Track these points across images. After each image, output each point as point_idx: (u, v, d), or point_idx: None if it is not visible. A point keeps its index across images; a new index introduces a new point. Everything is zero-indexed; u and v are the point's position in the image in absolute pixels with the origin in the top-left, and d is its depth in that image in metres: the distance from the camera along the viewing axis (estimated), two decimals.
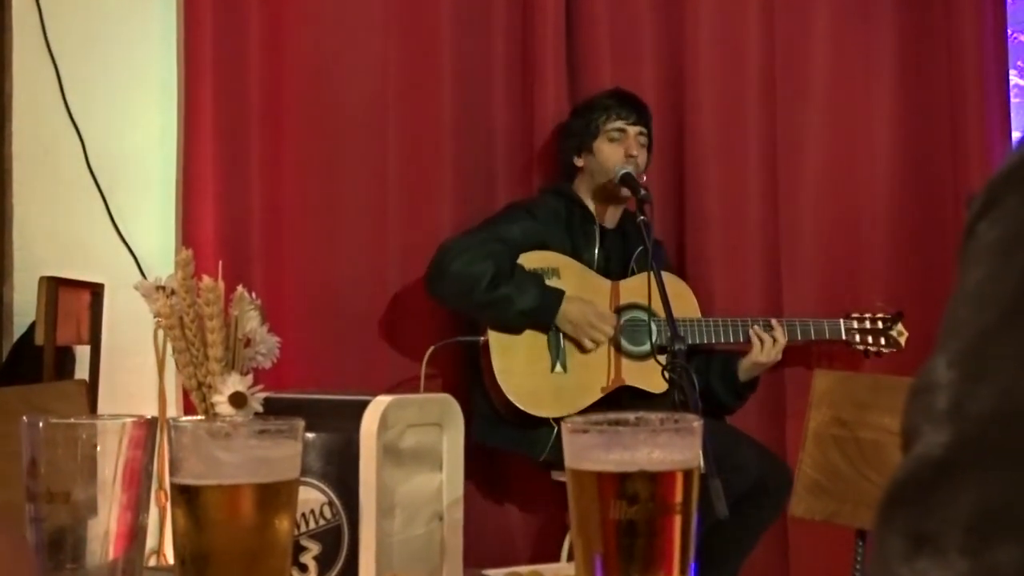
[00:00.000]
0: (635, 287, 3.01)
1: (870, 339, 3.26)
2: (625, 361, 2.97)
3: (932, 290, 3.40)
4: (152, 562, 2.70)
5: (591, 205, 3.10)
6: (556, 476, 2.92)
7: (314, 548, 1.04)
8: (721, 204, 3.34)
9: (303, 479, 0.93)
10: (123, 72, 3.14)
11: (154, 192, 3.16)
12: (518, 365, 2.90)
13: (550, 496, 3.08)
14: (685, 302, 3.05)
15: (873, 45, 3.55)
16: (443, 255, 2.88)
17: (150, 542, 2.76)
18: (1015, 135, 3.72)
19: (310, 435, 1.01)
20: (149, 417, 0.91)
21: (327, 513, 1.04)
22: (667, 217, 3.33)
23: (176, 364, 1.17)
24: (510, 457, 3.14)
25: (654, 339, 2.94)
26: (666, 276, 2.88)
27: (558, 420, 2.86)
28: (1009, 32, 3.72)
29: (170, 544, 1.19)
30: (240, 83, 3.08)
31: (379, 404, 1.04)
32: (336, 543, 1.04)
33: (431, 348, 2.91)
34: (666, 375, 2.60)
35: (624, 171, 2.97)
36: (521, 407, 2.87)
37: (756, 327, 3.06)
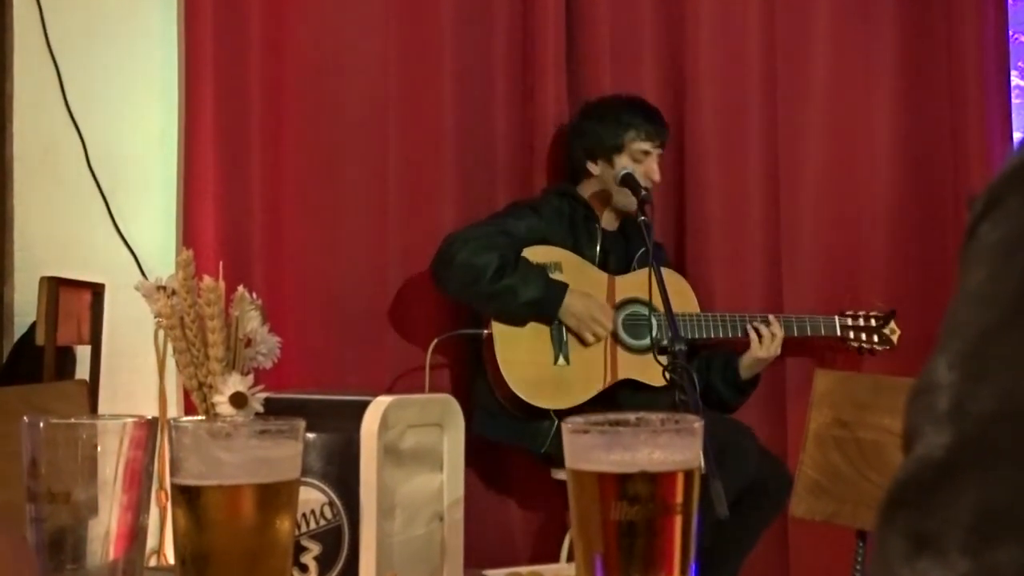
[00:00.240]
0: (635, 282, 3.04)
1: (864, 336, 3.30)
2: (626, 355, 3.00)
3: (932, 290, 3.40)
4: (152, 562, 2.70)
5: (594, 207, 3.11)
6: (556, 475, 2.92)
7: (315, 548, 1.04)
8: (722, 205, 3.34)
9: (304, 479, 0.93)
10: (124, 72, 3.14)
11: (155, 192, 3.16)
12: (522, 357, 2.93)
13: (550, 496, 3.08)
14: (684, 298, 3.08)
15: (874, 46, 3.55)
16: (449, 245, 2.91)
17: (150, 542, 2.76)
18: (1016, 136, 3.72)
19: (311, 435, 1.01)
20: (150, 417, 0.91)
21: (328, 513, 1.04)
22: (668, 218, 3.33)
23: (177, 364, 1.17)
24: (511, 457, 3.14)
25: (654, 333, 2.97)
26: (665, 272, 2.91)
27: (559, 413, 2.88)
28: (1010, 33, 3.72)
29: (170, 544, 1.19)
30: (241, 83, 3.08)
31: (380, 404, 1.04)
32: (336, 543, 1.04)
33: (435, 340, 2.96)
34: (667, 375, 2.60)
35: (625, 171, 2.98)
36: (524, 398, 2.89)
37: (754, 323, 3.08)
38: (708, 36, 3.37)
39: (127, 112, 3.15)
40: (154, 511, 2.72)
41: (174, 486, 0.84)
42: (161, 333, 1.16)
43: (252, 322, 1.18)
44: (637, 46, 3.37)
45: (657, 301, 2.80)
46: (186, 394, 2.77)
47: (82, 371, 2.85)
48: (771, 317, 3.11)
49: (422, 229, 3.11)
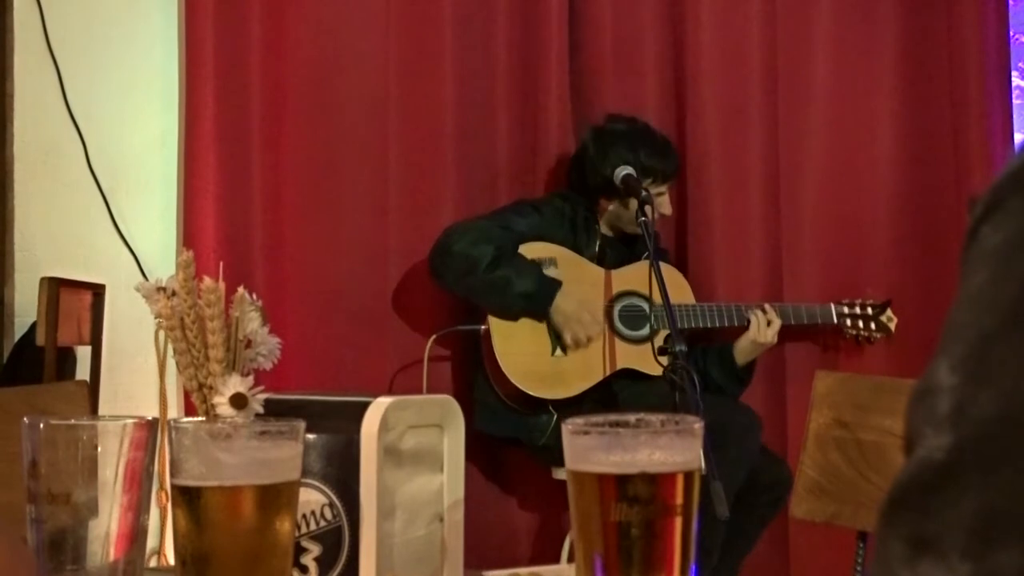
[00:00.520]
0: (631, 275, 3.06)
1: (860, 324, 3.33)
2: (623, 345, 3.02)
3: (933, 291, 3.40)
4: (153, 563, 2.70)
5: (604, 224, 3.14)
6: (557, 475, 2.93)
7: (315, 549, 1.04)
8: (723, 205, 3.34)
9: (304, 480, 0.93)
10: (124, 73, 3.15)
11: (155, 193, 3.16)
12: (519, 349, 2.95)
13: (551, 497, 3.08)
14: (680, 290, 3.10)
15: (874, 46, 3.55)
16: (447, 236, 2.94)
17: (151, 543, 2.76)
18: (1017, 136, 3.72)
19: (311, 436, 1.01)
20: (150, 418, 0.91)
21: (328, 514, 1.04)
22: (668, 219, 3.33)
23: (177, 365, 1.17)
24: (511, 458, 3.14)
25: (652, 323, 3.01)
26: (664, 266, 2.93)
27: (557, 406, 2.88)
28: (1011, 33, 3.72)
29: (171, 545, 1.19)
30: (241, 84, 3.08)
31: (380, 405, 1.04)
32: (337, 544, 1.04)
33: (433, 336, 2.98)
34: (668, 376, 2.61)
35: (625, 172, 2.98)
36: (523, 388, 2.91)
37: (751, 310, 3.12)
38: (709, 37, 3.37)
39: (127, 112, 3.15)
40: (154, 512, 2.72)
41: (174, 487, 0.84)
42: (161, 334, 1.16)
43: (252, 323, 1.18)
44: (639, 47, 3.37)
45: (656, 297, 2.82)
46: (186, 395, 2.77)
47: (82, 372, 2.85)
48: (767, 306, 3.14)
49: (422, 230, 3.11)
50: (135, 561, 0.89)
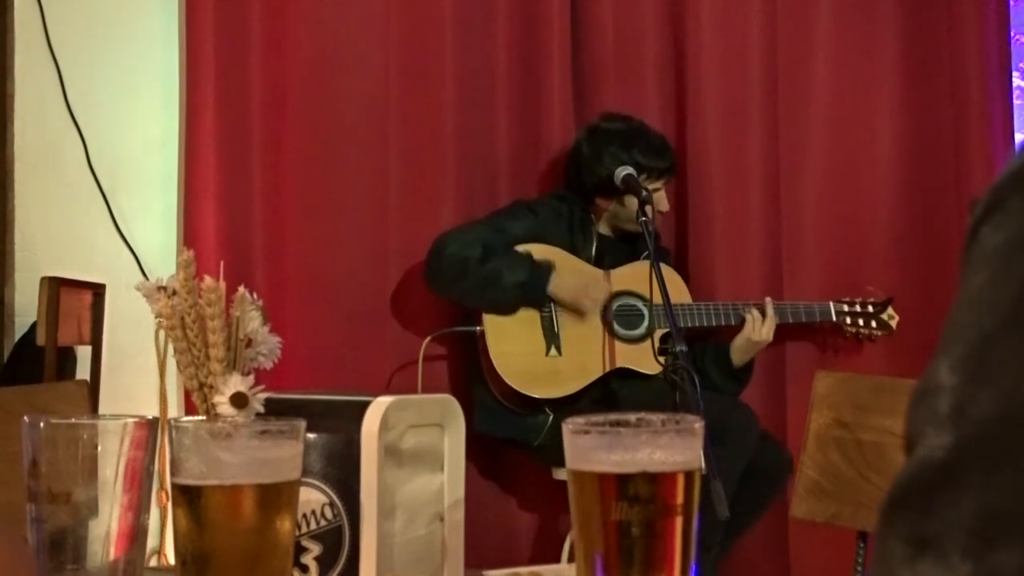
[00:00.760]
0: (627, 275, 3.06)
1: (861, 322, 3.31)
2: (619, 344, 3.02)
3: (934, 291, 3.39)
4: (153, 562, 2.70)
5: (602, 225, 3.14)
6: (557, 475, 2.93)
7: (315, 549, 1.04)
8: (723, 206, 3.34)
9: (304, 480, 0.93)
10: (125, 73, 3.15)
11: (156, 192, 3.17)
12: (514, 349, 2.95)
13: (551, 497, 3.08)
14: (677, 289, 3.09)
15: (875, 47, 3.55)
16: (438, 242, 2.95)
17: (151, 542, 2.76)
18: (1018, 137, 3.71)
19: (311, 436, 1.01)
20: (150, 417, 0.91)
21: (328, 514, 1.04)
22: (669, 217, 3.33)
23: (177, 365, 1.17)
24: (512, 458, 3.14)
25: (647, 322, 3.01)
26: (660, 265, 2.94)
27: (553, 407, 2.88)
28: (1012, 34, 3.71)
29: (171, 544, 1.19)
30: (242, 84, 3.08)
31: (380, 405, 1.04)
32: (337, 544, 1.04)
33: (427, 338, 2.98)
34: (668, 376, 2.61)
35: (625, 172, 2.98)
36: (518, 388, 2.91)
37: (748, 308, 3.12)
38: (709, 37, 3.37)
39: (128, 112, 3.15)
40: (154, 511, 2.72)
41: (174, 486, 0.84)
42: (162, 333, 1.16)
43: (253, 322, 1.18)
44: (640, 47, 3.37)
45: (656, 298, 2.82)
46: (187, 394, 2.77)
47: (83, 371, 2.86)
48: (767, 299, 3.14)
49: (422, 230, 3.10)
50: (135, 561, 0.89)
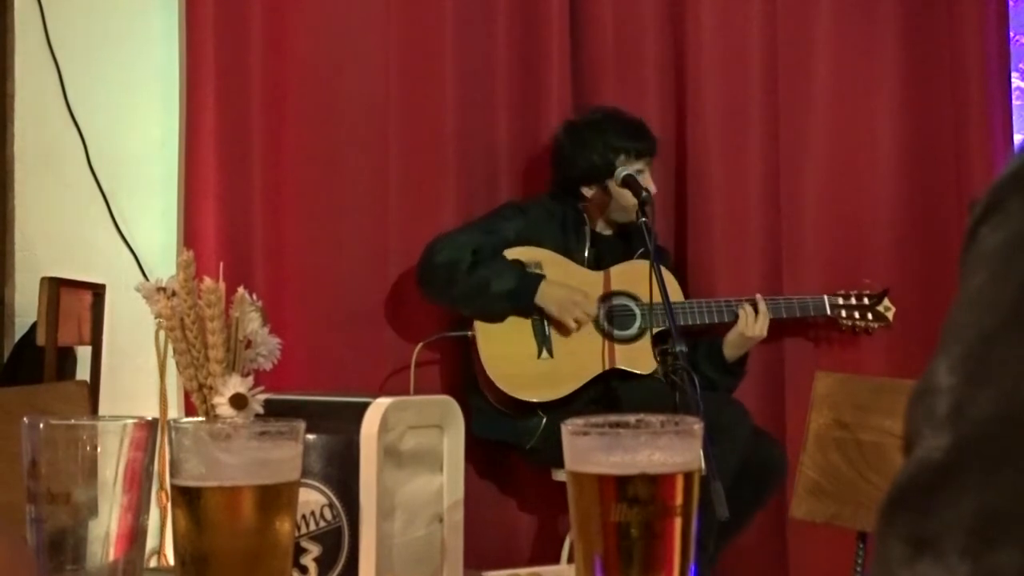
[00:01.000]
0: (619, 275, 3.05)
1: (857, 315, 3.29)
2: (610, 345, 3.00)
3: (934, 292, 3.39)
4: (153, 563, 2.70)
5: (595, 220, 3.13)
6: (557, 477, 2.93)
7: (314, 550, 1.04)
8: (723, 205, 3.34)
9: (304, 481, 0.93)
10: (125, 73, 3.15)
11: (156, 193, 3.16)
12: (505, 352, 2.95)
13: (551, 498, 3.08)
14: (670, 287, 3.05)
15: (875, 47, 3.55)
16: (428, 249, 2.95)
17: (151, 543, 2.76)
18: (1017, 137, 3.71)
19: (311, 437, 1.01)
20: (150, 418, 0.91)
21: (327, 515, 1.04)
22: (669, 217, 3.34)
23: (177, 365, 1.17)
24: (511, 459, 3.14)
25: (639, 322, 2.99)
26: (646, 263, 2.93)
27: (547, 410, 2.88)
28: (1011, 34, 3.71)
29: (171, 545, 1.19)
30: (242, 84, 3.08)
31: (380, 406, 1.03)
32: (336, 545, 1.04)
33: (419, 344, 2.97)
34: (668, 377, 2.61)
35: (626, 172, 2.98)
36: (509, 392, 2.91)
37: (741, 305, 3.10)
38: (709, 37, 3.37)
39: (128, 112, 3.15)
40: (154, 512, 2.72)
41: (174, 487, 0.84)
42: (161, 334, 1.16)
43: (252, 323, 1.18)
44: (640, 47, 3.37)
45: (657, 298, 2.82)
46: (187, 395, 2.77)
47: (83, 372, 2.85)
48: (758, 296, 3.12)
49: (423, 231, 3.10)
50: (135, 561, 0.89)
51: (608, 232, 3.17)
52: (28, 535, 0.87)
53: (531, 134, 3.29)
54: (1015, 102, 3.72)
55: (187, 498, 0.83)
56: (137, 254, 3.10)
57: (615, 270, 3.07)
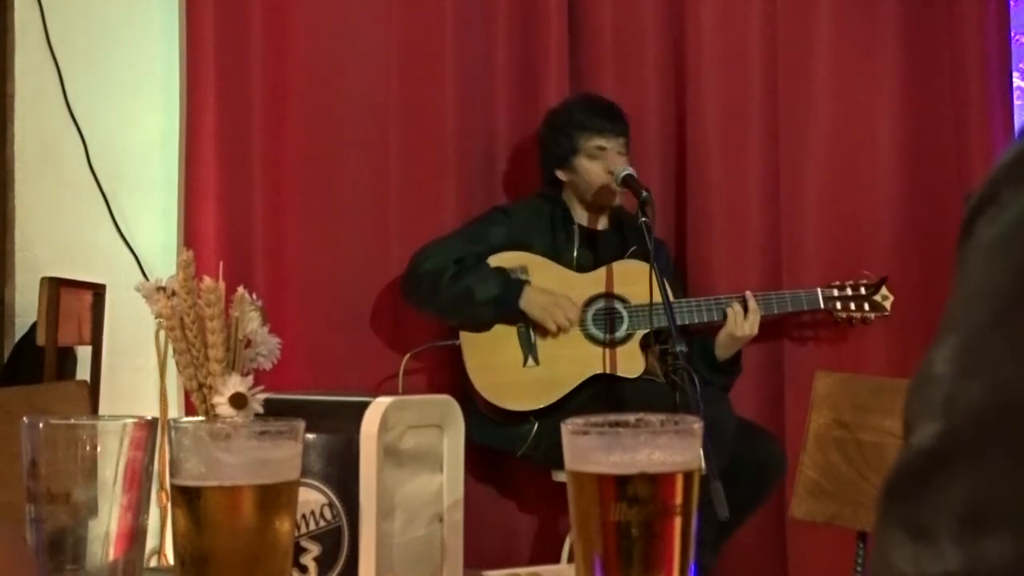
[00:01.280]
0: (604, 278, 3.03)
1: (853, 306, 3.23)
2: (597, 349, 2.98)
3: (934, 293, 3.39)
4: (153, 563, 2.70)
5: (578, 211, 3.11)
6: (557, 477, 2.92)
7: (314, 549, 1.04)
8: (723, 205, 3.34)
9: (303, 480, 0.93)
10: (125, 73, 3.15)
11: (156, 193, 3.16)
12: (490, 362, 2.94)
13: (551, 498, 3.08)
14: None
15: (876, 48, 3.54)
16: (414, 259, 2.95)
17: (151, 543, 2.76)
18: None
19: (310, 436, 1.01)
20: (150, 418, 0.91)
21: (327, 514, 1.04)
22: (668, 217, 3.33)
23: (177, 365, 1.17)
24: (511, 459, 3.14)
25: (627, 324, 2.97)
26: (636, 263, 2.92)
27: (538, 416, 2.87)
28: (1012, 34, 3.71)
29: (171, 545, 1.19)
30: (242, 84, 3.08)
31: (379, 405, 1.03)
32: (336, 544, 1.04)
33: (407, 355, 2.97)
34: (668, 377, 2.60)
35: (625, 172, 2.98)
36: (495, 402, 2.91)
37: (732, 303, 3.05)
38: (709, 37, 3.37)
39: (128, 112, 3.15)
40: (154, 511, 2.72)
41: (174, 487, 0.84)
42: (162, 334, 1.16)
43: (252, 323, 1.18)
44: (639, 47, 3.37)
45: (643, 298, 2.84)
46: (187, 395, 2.77)
47: (83, 371, 2.85)
48: (748, 294, 3.08)
49: (423, 230, 3.10)
50: (135, 561, 0.89)
51: (601, 227, 3.14)
52: (28, 535, 0.87)
53: (531, 135, 3.29)
54: (1015, 101, 3.72)
55: (187, 498, 0.83)
56: (137, 254, 3.10)
57: (602, 272, 3.04)
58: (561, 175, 3.09)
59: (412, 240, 3.11)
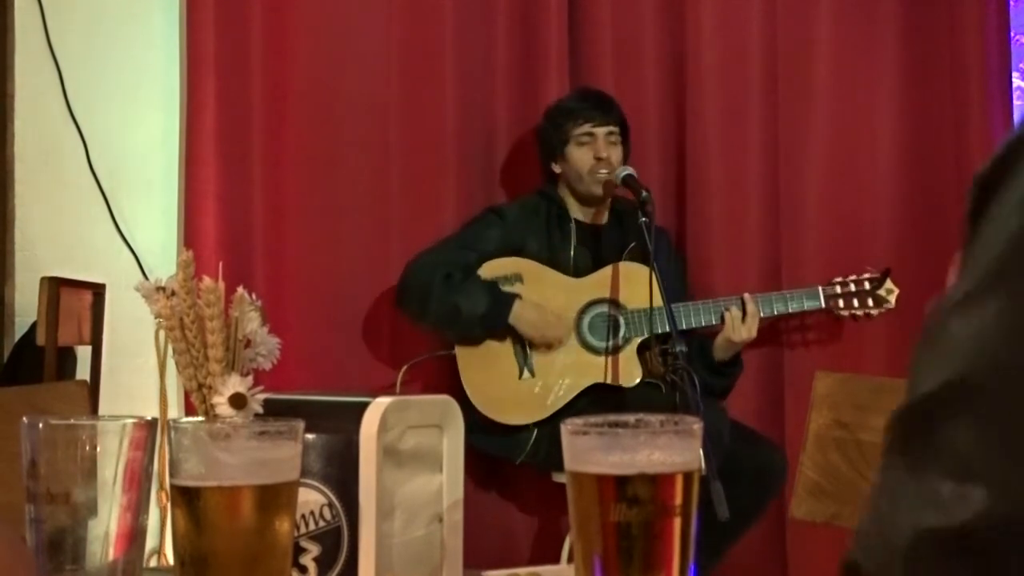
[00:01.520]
0: (601, 282, 3.00)
1: (856, 302, 3.16)
2: (593, 359, 2.96)
3: (934, 294, 3.38)
4: (152, 563, 2.70)
5: (575, 206, 3.10)
6: (557, 478, 2.92)
7: (314, 549, 1.04)
8: (723, 206, 3.33)
9: (303, 480, 0.93)
10: (125, 73, 3.15)
11: (156, 193, 3.17)
12: (485, 375, 2.92)
13: (551, 498, 3.08)
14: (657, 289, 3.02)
15: (876, 47, 3.54)
16: (404, 272, 2.94)
17: (150, 543, 2.76)
18: None
19: (310, 436, 1.01)
20: (149, 418, 0.91)
21: (327, 514, 1.04)
22: (668, 219, 3.33)
23: (176, 365, 1.17)
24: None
25: (624, 331, 2.94)
26: (635, 265, 2.90)
27: (536, 424, 2.87)
28: (1012, 34, 3.71)
29: (171, 545, 1.19)
30: (242, 84, 3.08)
31: (379, 406, 1.03)
32: (336, 544, 1.04)
33: (405, 367, 2.96)
34: (668, 378, 2.59)
35: (625, 172, 2.97)
36: (490, 416, 2.89)
37: (729, 307, 3.01)
38: (709, 37, 3.37)
39: (128, 112, 3.15)
40: (154, 511, 2.72)
41: (173, 487, 0.84)
42: (162, 333, 1.16)
43: (252, 323, 1.18)
44: (639, 47, 3.37)
45: (643, 301, 2.82)
46: (187, 395, 2.77)
47: (83, 371, 2.85)
48: (747, 296, 3.04)
49: (423, 230, 3.10)
50: (134, 561, 0.89)
51: (602, 222, 3.12)
52: (27, 535, 0.87)
53: (531, 135, 3.29)
54: (1015, 101, 3.71)
55: (187, 498, 0.83)
56: (137, 254, 3.10)
57: (599, 276, 3.01)
58: (555, 167, 3.08)
59: (412, 240, 3.11)
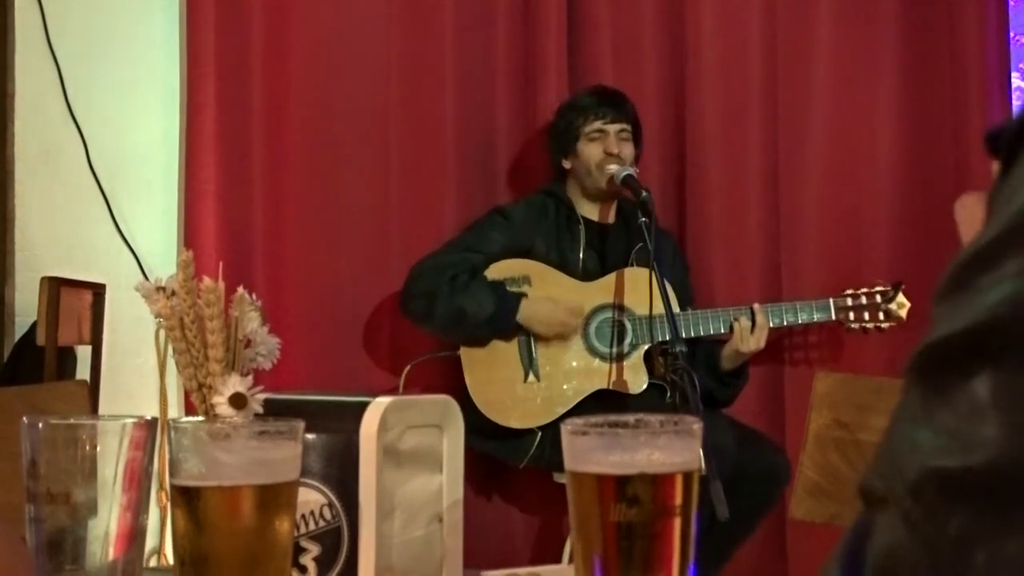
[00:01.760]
0: (607, 287, 2.99)
1: (866, 315, 3.11)
2: (599, 364, 2.95)
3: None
4: (152, 563, 2.70)
5: (584, 205, 3.09)
6: (557, 478, 2.92)
7: (314, 549, 1.04)
8: (723, 206, 3.33)
9: (303, 480, 0.93)
10: (125, 73, 3.15)
11: (156, 192, 3.17)
12: (490, 377, 2.90)
13: (551, 498, 3.08)
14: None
15: (875, 47, 3.54)
16: (409, 277, 2.93)
17: (150, 543, 2.76)
18: None
19: (310, 436, 1.01)
20: (149, 418, 0.91)
21: (327, 514, 1.04)
22: (669, 220, 3.33)
23: (176, 365, 1.17)
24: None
25: (631, 337, 2.93)
26: (642, 271, 2.89)
27: (541, 427, 2.86)
28: (1011, 34, 3.71)
29: (171, 545, 1.19)
30: (242, 84, 3.08)
31: (379, 406, 1.03)
32: (336, 544, 1.04)
33: (408, 367, 2.95)
34: (668, 378, 2.59)
35: (625, 172, 2.96)
36: (494, 420, 2.87)
37: (739, 316, 2.99)
38: (709, 36, 3.37)
39: (128, 112, 3.15)
40: (154, 511, 2.72)
41: (173, 487, 0.84)
42: (162, 333, 1.16)
43: (252, 323, 1.18)
44: (638, 47, 3.37)
45: (648, 305, 2.82)
46: (187, 395, 2.77)
47: (83, 371, 2.85)
48: (756, 306, 3.02)
49: (423, 230, 3.11)
50: (134, 561, 0.89)
51: (610, 221, 3.11)
52: (27, 535, 0.87)
53: (531, 135, 3.29)
54: (1015, 101, 3.71)
55: (186, 498, 0.83)
56: (137, 254, 3.10)
57: (607, 280, 3.00)
58: (566, 163, 3.08)
59: (412, 240, 3.11)
